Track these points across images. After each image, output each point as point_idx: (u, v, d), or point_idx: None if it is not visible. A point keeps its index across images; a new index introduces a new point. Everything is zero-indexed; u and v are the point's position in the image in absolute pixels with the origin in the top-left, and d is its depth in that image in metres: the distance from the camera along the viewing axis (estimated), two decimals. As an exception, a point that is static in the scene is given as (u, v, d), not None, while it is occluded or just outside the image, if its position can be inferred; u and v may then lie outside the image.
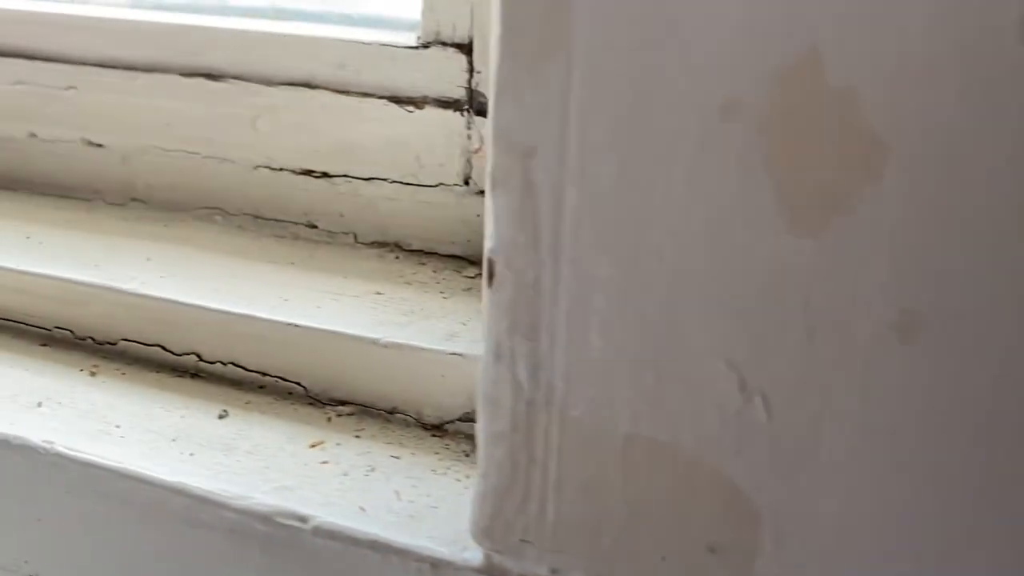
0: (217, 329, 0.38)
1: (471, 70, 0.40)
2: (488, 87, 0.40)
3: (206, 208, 0.47)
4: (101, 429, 0.35)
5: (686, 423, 0.24)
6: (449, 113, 0.41)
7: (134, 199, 0.49)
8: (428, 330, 0.36)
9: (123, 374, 0.39)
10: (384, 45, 0.42)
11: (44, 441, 0.34)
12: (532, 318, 0.25)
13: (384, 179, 0.43)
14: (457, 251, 0.43)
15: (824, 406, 0.23)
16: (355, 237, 0.45)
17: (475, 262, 0.43)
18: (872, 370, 0.22)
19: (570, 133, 0.23)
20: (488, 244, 0.25)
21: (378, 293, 0.39)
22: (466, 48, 0.40)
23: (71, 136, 0.49)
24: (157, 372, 0.39)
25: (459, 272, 0.42)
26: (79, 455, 0.33)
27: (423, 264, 0.42)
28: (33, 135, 0.50)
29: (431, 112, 0.41)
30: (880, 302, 0.21)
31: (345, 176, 0.44)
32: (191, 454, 0.34)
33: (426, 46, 0.41)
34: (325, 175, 0.44)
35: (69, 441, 0.34)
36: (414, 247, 0.44)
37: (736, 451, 0.24)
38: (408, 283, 0.40)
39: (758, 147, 0.21)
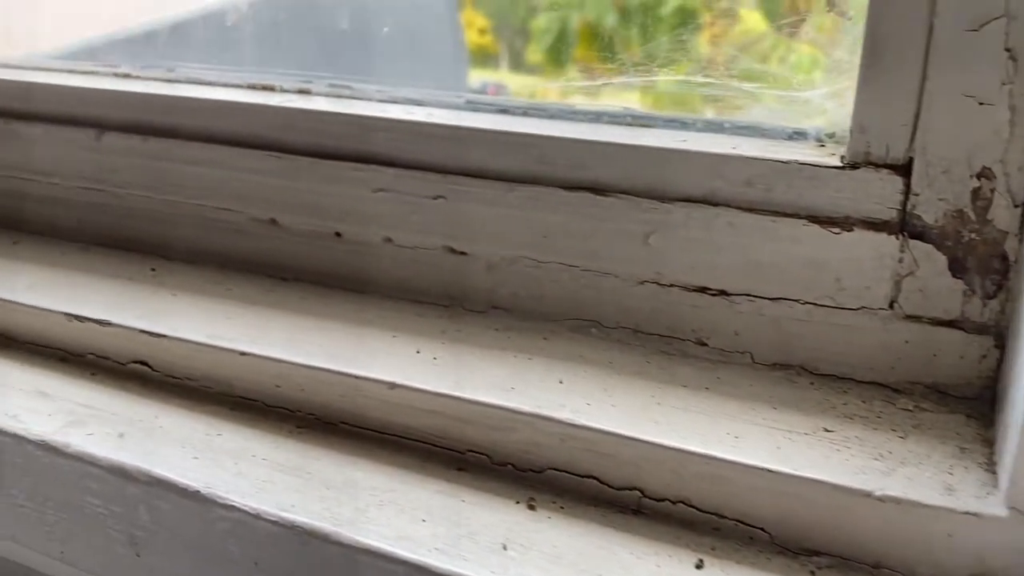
0: (665, 466, 0.37)
1: (907, 192, 0.39)
2: (926, 209, 0.39)
3: (578, 320, 0.46)
4: (583, 580, 0.34)
5: None
6: (881, 236, 0.39)
7: (495, 307, 0.48)
8: (917, 480, 0.34)
9: (561, 508, 0.38)
10: (803, 164, 0.40)
11: (535, 595, 0.33)
12: None
13: (795, 300, 0.42)
14: (877, 378, 0.41)
15: None
16: (751, 357, 0.43)
17: (899, 390, 0.40)
18: None
19: None
20: None
21: (827, 430, 0.37)
22: (902, 169, 0.38)
23: (432, 243, 0.49)
24: (595, 506, 0.38)
25: (891, 403, 0.39)
26: (579, 612, 0.32)
27: (845, 392, 0.40)
28: (388, 240, 0.50)
29: (858, 234, 0.40)
30: None
31: (747, 295, 0.42)
32: (698, 615, 0.32)
33: (854, 166, 0.39)
34: (723, 293, 0.43)
35: (560, 594, 0.33)
36: (821, 371, 0.42)
37: None
38: (848, 417, 0.38)
39: None
